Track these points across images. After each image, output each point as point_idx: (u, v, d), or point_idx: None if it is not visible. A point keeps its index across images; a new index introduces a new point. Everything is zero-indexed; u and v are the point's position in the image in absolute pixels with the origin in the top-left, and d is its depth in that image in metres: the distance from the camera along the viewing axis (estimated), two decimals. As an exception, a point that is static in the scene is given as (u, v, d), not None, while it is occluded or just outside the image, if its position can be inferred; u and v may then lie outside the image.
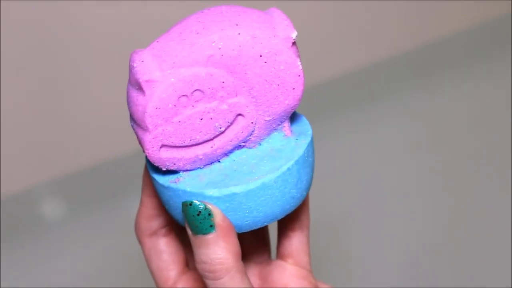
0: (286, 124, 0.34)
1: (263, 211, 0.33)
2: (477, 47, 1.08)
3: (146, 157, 0.35)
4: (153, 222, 0.38)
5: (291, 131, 0.35)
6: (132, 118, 0.32)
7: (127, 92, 0.32)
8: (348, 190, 0.82)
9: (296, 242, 0.39)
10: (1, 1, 0.74)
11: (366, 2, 0.98)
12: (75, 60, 0.81)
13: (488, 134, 0.89)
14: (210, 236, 0.32)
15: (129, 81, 0.32)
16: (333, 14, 0.97)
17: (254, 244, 0.41)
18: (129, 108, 0.32)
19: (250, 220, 0.33)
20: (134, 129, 0.33)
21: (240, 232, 0.33)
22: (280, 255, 0.40)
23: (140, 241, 0.39)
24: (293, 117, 0.36)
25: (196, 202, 0.32)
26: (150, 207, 0.38)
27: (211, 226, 0.32)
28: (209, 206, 0.32)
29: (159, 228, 0.38)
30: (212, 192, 0.32)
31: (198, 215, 0.32)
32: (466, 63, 1.05)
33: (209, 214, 0.32)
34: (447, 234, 0.75)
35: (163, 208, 0.37)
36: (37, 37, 0.78)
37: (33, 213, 0.84)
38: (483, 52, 1.07)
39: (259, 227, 0.34)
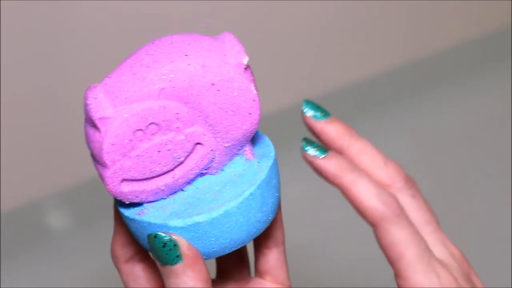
0: (247, 148, 0.34)
1: (229, 238, 0.33)
2: (477, 60, 1.07)
3: None
4: (127, 248, 0.38)
5: (253, 154, 0.35)
6: (91, 155, 0.32)
7: (84, 129, 0.32)
8: (340, 209, 0.82)
9: (272, 259, 0.39)
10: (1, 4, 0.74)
11: (367, 14, 0.98)
12: (83, 73, 0.82)
13: (489, 147, 0.89)
14: (178, 266, 0.32)
15: (85, 118, 0.32)
16: (334, 26, 0.97)
17: (232, 262, 0.41)
18: (87, 144, 0.32)
19: (217, 247, 0.33)
20: (94, 165, 0.33)
21: (208, 259, 0.33)
22: (258, 272, 0.40)
23: (117, 268, 0.39)
24: (255, 139, 0.36)
25: (161, 234, 0.32)
26: (123, 234, 0.38)
27: (177, 256, 0.32)
28: (174, 237, 0.32)
29: (134, 254, 0.38)
30: (175, 222, 0.32)
31: (163, 246, 0.32)
32: (467, 76, 1.04)
33: (175, 245, 0.32)
34: None
35: None
36: (42, 47, 0.79)
37: (39, 224, 0.85)
38: (484, 65, 1.06)
39: (227, 252, 0.34)
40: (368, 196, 0.37)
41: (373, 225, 0.37)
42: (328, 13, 0.95)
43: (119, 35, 0.82)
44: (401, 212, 0.37)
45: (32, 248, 0.81)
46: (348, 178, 0.37)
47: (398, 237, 0.36)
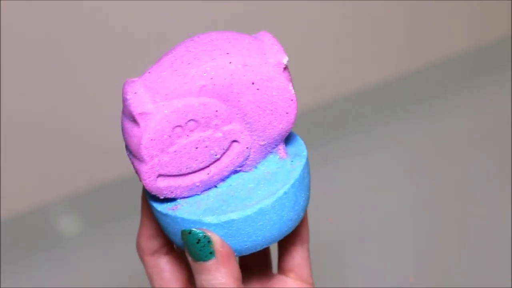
0: (281, 146, 0.34)
1: (262, 235, 0.33)
2: (475, 70, 1.07)
3: None
4: (154, 241, 0.38)
5: (286, 153, 0.35)
6: (128, 149, 0.32)
7: (122, 123, 0.32)
8: (346, 213, 0.82)
9: (297, 256, 0.40)
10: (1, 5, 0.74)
11: (365, 26, 0.98)
12: (95, 77, 0.82)
13: (487, 157, 0.89)
14: (211, 262, 0.32)
15: (123, 112, 0.32)
16: (332, 37, 0.97)
17: (255, 258, 0.42)
18: (124, 139, 0.32)
19: (249, 244, 0.33)
20: (130, 158, 0.33)
21: (240, 255, 0.34)
22: (281, 270, 0.40)
23: (142, 260, 0.39)
24: (287, 138, 0.36)
25: (195, 230, 0.32)
26: (150, 227, 0.38)
27: (210, 253, 0.32)
28: (208, 234, 0.32)
29: (160, 247, 0.39)
30: (210, 219, 0.32)
31: (197, 242, 0.32)
32: (464, 86, 1.04)
33: (209, 242, 0.32)
34: (446, 258, 0.75)
35: None
36: (52, 49, 0.79)
37: (49, 228, 0.85)
38: (482, 75, 1.06)
39: (258, 250, 0.34)
40: None
41: None
42: (331, 22, 0.96)
43: (127, 36, 0.82)
44: None
45: (41, 252, 0.81)
46: None
47: None
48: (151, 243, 0.38)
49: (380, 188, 0.86)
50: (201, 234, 0.32)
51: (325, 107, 0.98)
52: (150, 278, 0.39)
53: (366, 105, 1.01)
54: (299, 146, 0.36)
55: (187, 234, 0.32)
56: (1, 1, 0.73)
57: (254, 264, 0.42)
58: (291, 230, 0.34)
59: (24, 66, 0.78)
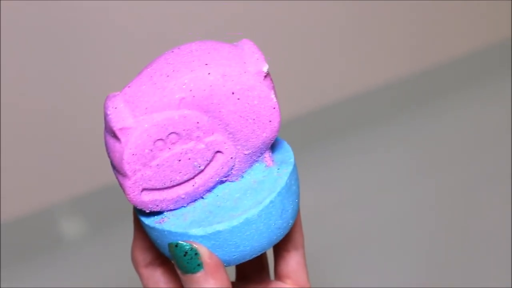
0: (267, 154, 0.34)
1: (250, 245, 0.33)
2: (477, 73, 1.07)
3: None
4: (147, 253, 0.38)
5: (273, 161, 0.34)
6: (111, 164, 0.32)
7: (104, 138, 0.32)
8: (348, 216, 0.82)
9: (292, 262, 0.39)
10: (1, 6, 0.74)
11: (366, 29, 0.98)
12: (96, 79, 0.82)
13: (490, 159, 0.88)
14: (199, 274, 0.32)
15: (105, 128, 0.32)
16: (334, 39, 0.97)
17: (252, 265, 0.41)
18: (108, 154, 0.32)
19: (237, 254, 0.33)
20: (114, 174, 0.33)
21: (229, 266, 0.33)
22: (278, 276, 0.40)
23: (137, 272, 0.39)
24: (274, 145, 0.36)
25: (181, 242, 0.32)
26: (143, 239, 0.38)
27: (198, 265, 0.32)
28: (195, 246, 0.32)
29: (154, 258, 0.39)
30: (196, 231, 0.32)
31: (184, 255, 0.32)
32: (467, 88, 1.04)
33: (196, 254, 0.32)
34: (448, 260, 0.75)
35: None
36: (53, 51, 0.79)
37: (52, 231, 0.85)
38: (484, 77, 1.05)
39: (247, 259, 0.34)
40: None
41: None
42: (332, 25, 0.95)
43: (128, 36, 0.82)
44: None
45: (44, 255, 0.81)
46: None
47: None
48: (145, 255, 0.38)
49: (383, 190, 0.86)
50: (187, 247, 0.32)
51: (327, 110, 0.98)
52: None
53: (368, 107, 1.01)
54: (286, 153, 0.35)
55: (174, 247, 0.32)
56: (1, 1, 0.74)
57: (251, 270, 0.41)
58: (280, 238, 0.34)
59: (25, 66, 0.78)
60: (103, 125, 0.32)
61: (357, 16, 0.96)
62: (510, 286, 0.69)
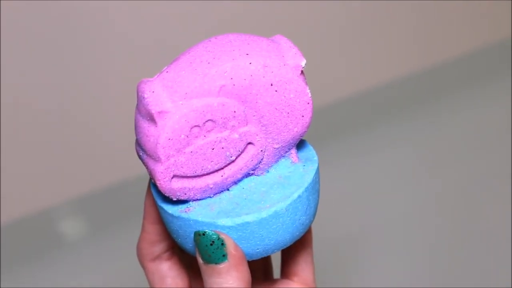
0: (293, 150, 0.34)
1: (274, 239, 0.33)
2: (477, 72, 1.08)
3: (153, 186, 0.34)
4: (155, 247, 0.38)
5: (298, 158, 0.35)
6: (142, 148, 0.32)
7: (136, 122, 0.32)
8: (350, 216, 0.82)
9: (300, 260, 0.39)
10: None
11: (367, 29, 0.99)
12: (97, 80, 0.81)
13: (491, 158, 0.89)
14: (223, 265, 0.32)
15: (139, 112, 0.31)
16: (335, 39, 0.98)
17: (257, 263, 0.41)
18: (139, 138, 0.32)
19: (261, 248, 0.33)
20: (143, 159, 0.32)
21: (250, 260, 0.33)
22: (285, 274, 0.40)
23: (143, 266, 0.39)
24: (297, 143, 0.36)
25: (209, 232, 0.32)
26: (153, 233, 0.38)
27: (223, 255, 0.32)
28: (222, 236, 0.32)
29: (162, 252, 0.38)
30: (224, 221, 0.32)
31: (211, 244, 0.32)
32: (466, 89, 1.05)
33: (222, 244, 0.32)
34: (449, 259, 0.76)
35: (166, 233, 0.37)
36: (52, 50, 0.78)
37: (51, 232, 0.84)
38: (484, 77, 1.07)
39: (269, 254, 0.34)
40: None
41: None
42: (334, 24, 0.96)
43: (128, 37, 0.82)
44: None
45: (43, 256, 0.80)
46: None
47: None
48: (153, 248, 0.38)
49: (382, 190, 0.86)
50: (215, 236, 0.32)
51: (328, 109, 0.98)
52: (151, 284, 0.39)
53: (369, 107, 1.01)
54: (309, 151, 0.36)
55: (200, 235, 0.32)
56: (1, 1, 0.73)
57: (255, 268, 0.41)
58: (302, 234, 0.34)
59: (25, 67, 0.77)
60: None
61: (357, 16, 0.97)
62: (510, 286, 0.70)
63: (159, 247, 0.38)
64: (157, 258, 0.38)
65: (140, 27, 0.82)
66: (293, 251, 0.39)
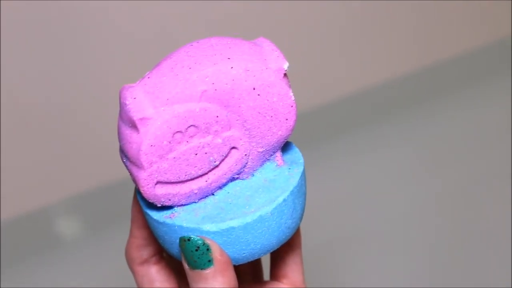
0: (279, 153, 0.34)
1: (260, 243, 0.33)
2: (477, 72, 1.08)
3: (139, 192, 0.34)
4: (143, 251, 0.38)
5: (283, 161, 0.34)
6: (125, 155, 0.32)
7: (119, 129, 0.32)
8: (348, 215, 0.82)
9: (289, 262, 0.39)
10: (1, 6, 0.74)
11: (366, 27, 0.99)
12: (94, 80, 0.82)
13: (491, 157, 0.89)
14: (208, 271, 0.32)
15: (121, 118, 0.31)
16: (333, 38, 0.98)
17: (246, 265, 0.41)
18: (122, 145, 0.32)
19: (247, 252, 0.33)
20: (126, 165, 0.32)
21: (237, 264, 0.33)
22: (274, 276, 0.40)
23: (131, 270, 0.39)
24: (283, 146, 0.36)
25: (194, 237, 0.32)
26: (140, 237, 0.38)
27: (209, 261, 0.32)
28: (207, 241, 0.32)
29: (150, 256, 0.38)
30: (209, 227, 0.32)
31: (196, 250, 0.32)
32: (466, 88, 1.05)
33: (208, 249, 0.32)
34: (449, 259, 0.76)
35: (153, 238, 0.37)
36: (49, 49, 0.78)
37: (48, 231, 0.84)
38: (484, 77, 1.07)
39: (255, 258, 0.33)
40: None
41: None
42: (332, 24, 0.96)
43: (128, 37, 0.82)
44: None
45: (41, 255, 0.80)
46: None
47: None
48: (140, 252, 0.38)
49: (382, 189, 0.86)
50: (200, 242, 0.32)
51: (328, 108, 0.98)
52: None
53: (368, 106, 1.01)
54: (295, 154, 0.35)
55: (185, 241, 0.32)
56: (1, 1, 0.73)
57: (245, 271, 0.41)
58: (288, 238, 0.34)
59: (24, 67, 0.77)
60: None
61: (357, 15, 0.97)
62: (510, 286, 0.70)
63: (147, 251, 0.38)
64: (145, 262, 0.38)
65: (140, 27, 0.82)
66: (281, 253, 0.39)
